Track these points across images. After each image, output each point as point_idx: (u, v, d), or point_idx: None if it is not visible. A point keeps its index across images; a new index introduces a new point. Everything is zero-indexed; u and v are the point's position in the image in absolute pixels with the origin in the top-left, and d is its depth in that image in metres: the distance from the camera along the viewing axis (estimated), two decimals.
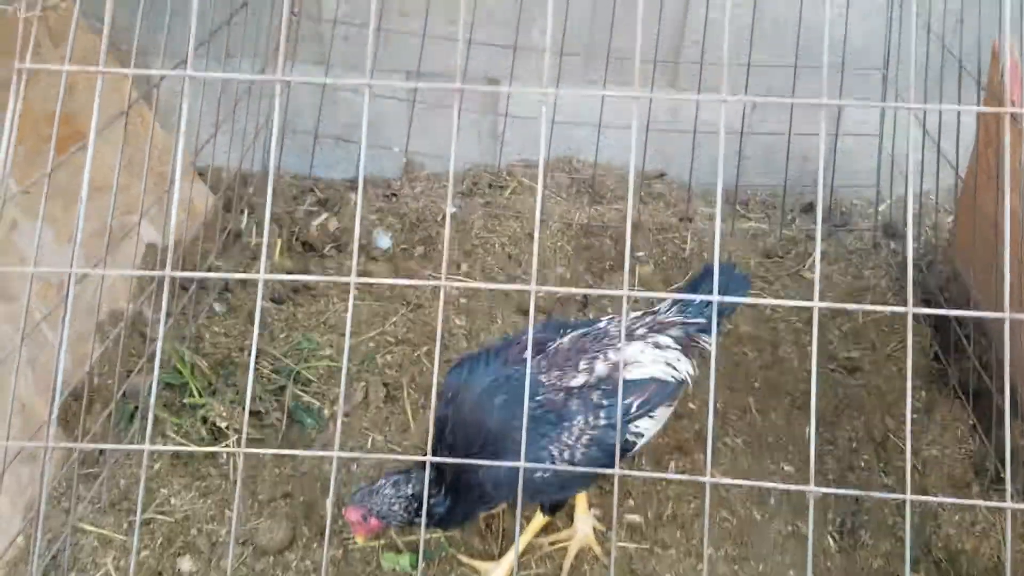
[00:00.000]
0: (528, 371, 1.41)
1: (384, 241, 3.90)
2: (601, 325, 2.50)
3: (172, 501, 2.75)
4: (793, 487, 1.58)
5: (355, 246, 1.48)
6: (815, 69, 3.99)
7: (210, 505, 2.75)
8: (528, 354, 1.55)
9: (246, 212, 3.88)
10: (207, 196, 3.89)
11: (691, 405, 3.07)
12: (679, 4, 3.97)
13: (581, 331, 2.48)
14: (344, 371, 1.60)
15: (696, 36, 3.96)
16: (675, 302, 2.61)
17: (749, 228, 4.05)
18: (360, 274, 3.70)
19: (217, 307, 3.40)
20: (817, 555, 2.67)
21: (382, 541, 2.61)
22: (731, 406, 3.09)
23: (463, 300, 3.53)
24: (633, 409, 2.34)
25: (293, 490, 2.80)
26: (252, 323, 3.21)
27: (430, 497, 2.31)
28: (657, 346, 2.45)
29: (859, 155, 4.18)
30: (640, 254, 3.80)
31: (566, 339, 2.45)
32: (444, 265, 1.54)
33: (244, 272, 3.59)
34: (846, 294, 3.61)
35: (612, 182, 4.21)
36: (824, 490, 1.53)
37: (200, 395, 2.93)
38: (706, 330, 2.54)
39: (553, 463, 2.26)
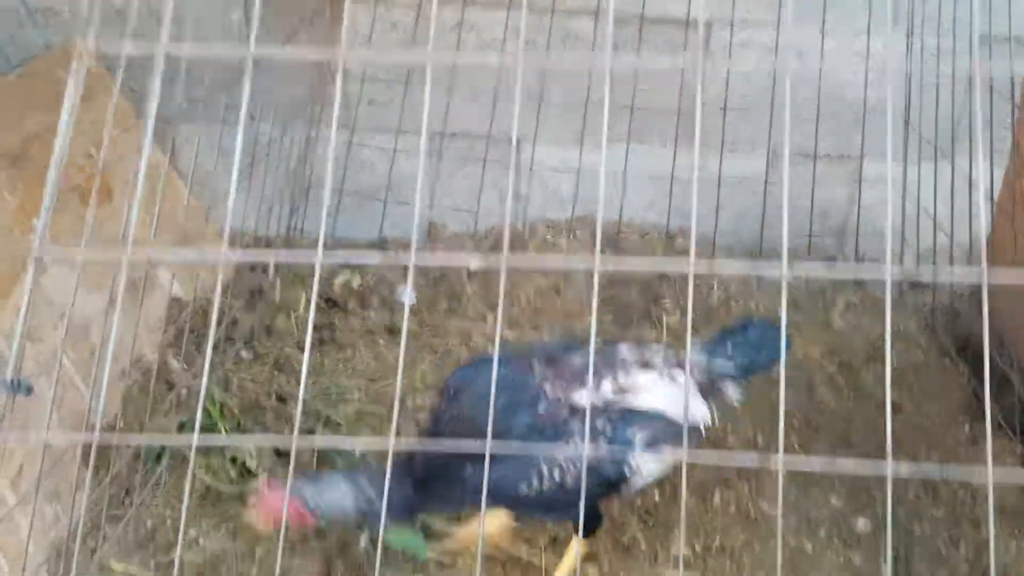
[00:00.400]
0: (591, 369, 1.32)
1: (408, 298, 3.87)
2: (619, 347, 2.40)
3: (200, 541, 2.66)
4: (871, 472, 1.52)
5: (415, 224, 1.46)
6: (834, 124, 4.06)
7: (240, 545, 2.65)
8: (592, 336, 1.48)
9: (271, 269, 3.87)
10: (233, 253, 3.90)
11: (730, 439, 3.00)
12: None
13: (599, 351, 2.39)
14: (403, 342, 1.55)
15: (712, 95, 4.03)
16: (703, 345, 2.52)
17: (775, 278, 4.03)
18: (386, 329, 3.67)
19: (244, 354, 3.35)
20: None
21: None
22: (772, 442, 3.02)
23: (489, 348, 3.49)
24: (635, 443, 2.20)
25: (326, 528, 2.70)
26: (279, 370, 3.20)
27: (392, 488, 2.18)
28: (673, 380, 2.31)
29: (879, 210, 4.20)
30: (666, 302, 3.77)
31: (579, 356, 2.34)
32: (506, 239, 1.52)
33: (270, 325, 3.57)
34: (879, 339, 3.56)
35: (634, 239, 4.22)
36: (904, 469, 1.47)
37: (228, 433, 2.86)
38: (732, 378, 2.43)
39: (540, 482, 2.14)
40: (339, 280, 3.98)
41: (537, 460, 2.13)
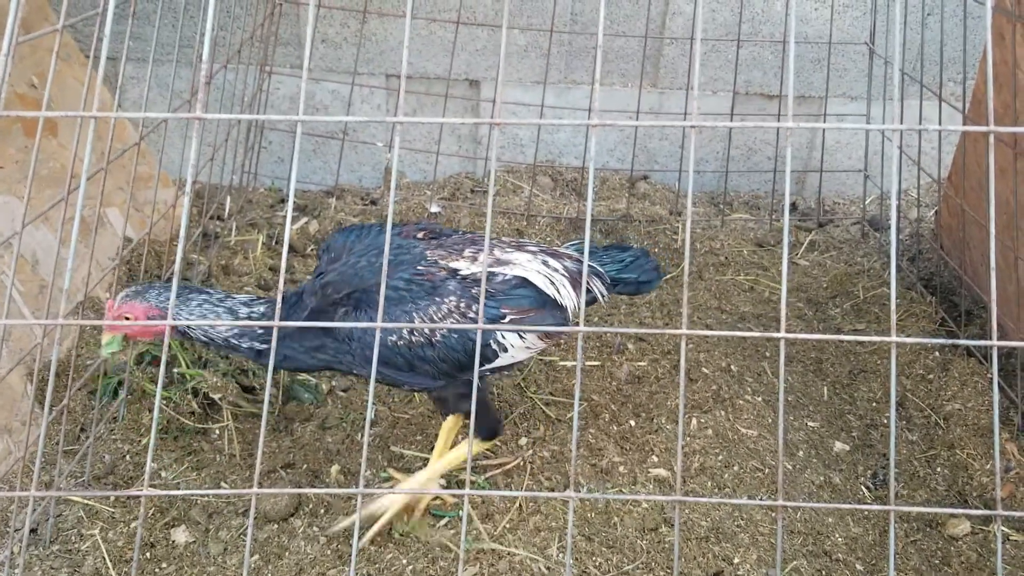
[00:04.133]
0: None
1: None
2: (504, 239, 2.42)
3: (163, 474, 2.54)
4: (876, 507, 1.48)
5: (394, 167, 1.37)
6: (796, 63, 4.03)
7: (204, 478, 2.54)
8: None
9: (231, 217, 3.75)
10: (185, 202, 3.76)
11: (704, 370, 2.96)
12: (659, 2, 3.99)
13: (479, 236, 2.40)
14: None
15: (676, 33, 3.99)
16: (574, 245, 2.57)
17: (739, 220, 4.01)
18: None
19: None
20: (853, 504, 2.55)
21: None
22: (747, 370, 2.99)
23: None
24: (504, 320, 2.19)
25: (295, 460, 2.61)
26: None
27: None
28: (545, 264, 2.33)
29: (840, 153, 4.21)
30: (632, 246, 3.72)
31: (459, 234, 2.38)
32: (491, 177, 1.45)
33: (227, 265, 3.44)
34: (843, 276, 3.56)
35: (595, 183, 4.17)
36: (905, 508, 1.43)
37: (189, 366, 2.74)
38: (601, 277, 2.47)
39: (411, 333, 2.11)
40: (295, 226, 3.87)
41: (410, 311, 2.11)
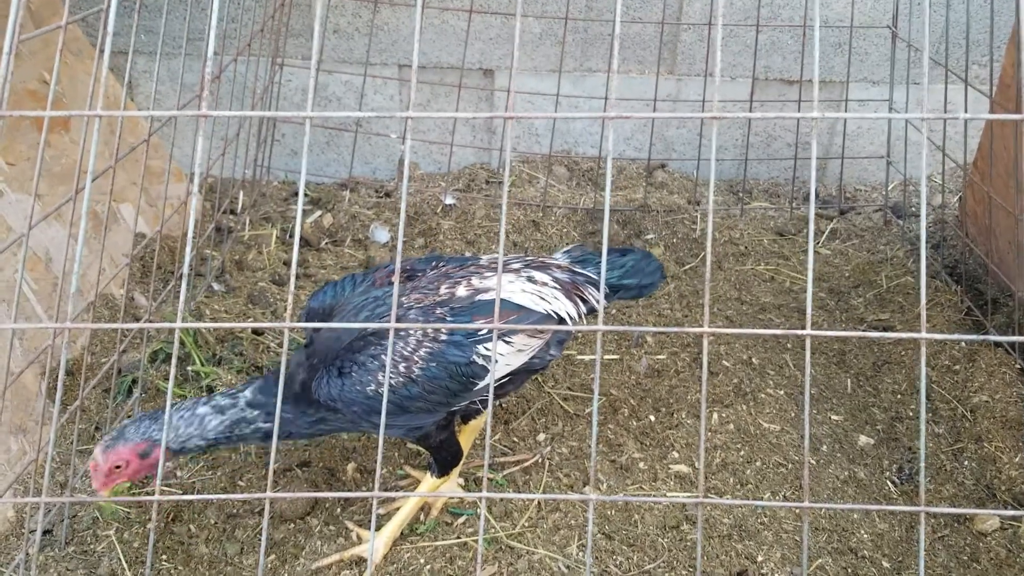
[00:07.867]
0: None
1: (382, 235, 3.73)
2: (482, 261, 2.33)
3: (178, 474, 2.52)
4: (906, 508, 1.43)
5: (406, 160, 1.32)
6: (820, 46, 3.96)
7: (220, 477, 2.51)
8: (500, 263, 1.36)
9: (245, 212, 3.71)
10: (199, 198, 3.74)
11: (725, 363, 2.91)
12: None
13: (455, 263, 2.32)
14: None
15: (693, 18, 3.92)
16: (567, 252, 2.48)
17: (759, 208, 3.95)
18: (361, 265, 3.54)
19: (216, 286, 3.19)
20: (880, 500, 2.50)
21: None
22: (768, 363, 2.93)
23: None
24: (482, 331, 2.08)
25: (311, 458, 2.58)
26: (252, 303, 3.05)
27: (258, 408, 2.10)
28: (531, 280, 2.26)
29: (861, 139, 4.14)
30: (650, 236, 3.67)
31: (436, 267, 2.32)
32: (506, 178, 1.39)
33: (241, 260, 3.41)
34: (866, 264, 3.50)
35: (612, 173, 4.11)
36: (936, 510, 1.38)
37: (204, 364, 2.71)
38: (597, 285, 2.35)
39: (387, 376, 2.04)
40: (309, 219, 3.83)
41: (378, 354, 2.04)
